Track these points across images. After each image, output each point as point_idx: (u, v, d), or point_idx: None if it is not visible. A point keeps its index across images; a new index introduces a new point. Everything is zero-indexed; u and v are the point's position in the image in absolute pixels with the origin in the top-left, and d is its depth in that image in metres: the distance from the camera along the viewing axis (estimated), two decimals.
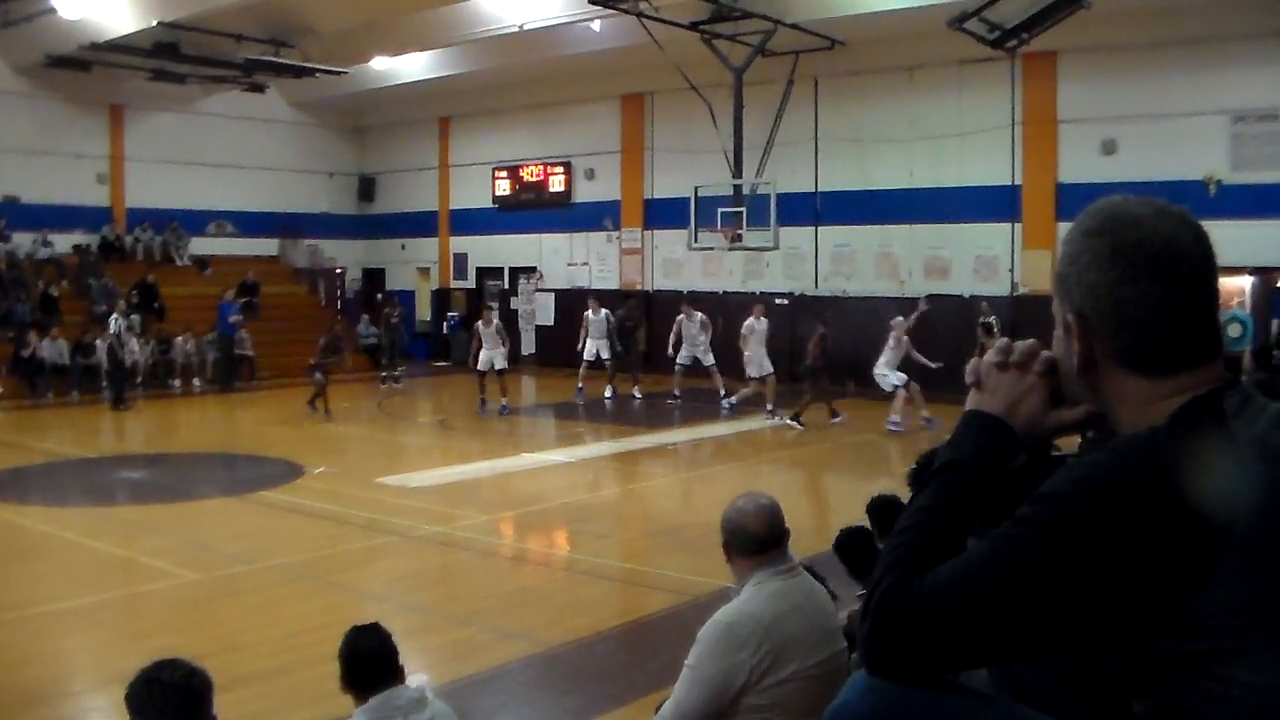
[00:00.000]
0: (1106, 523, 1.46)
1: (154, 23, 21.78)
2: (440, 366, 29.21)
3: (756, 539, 4.05)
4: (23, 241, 25.98)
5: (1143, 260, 1.55)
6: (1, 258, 25.31)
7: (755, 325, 19.41)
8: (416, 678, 4.54)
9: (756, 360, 19.16)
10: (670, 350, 21.56)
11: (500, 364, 19.34)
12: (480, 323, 20.08)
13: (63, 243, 26.78)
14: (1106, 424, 1.67)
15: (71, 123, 27.03)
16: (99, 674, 7.47)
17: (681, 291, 25.33)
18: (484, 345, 19.49)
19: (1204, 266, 1.57)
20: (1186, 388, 1.56)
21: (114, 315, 22.20)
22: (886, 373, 18.00)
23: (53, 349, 23.08)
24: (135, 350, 23.83)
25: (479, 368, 19.60)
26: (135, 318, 24.90)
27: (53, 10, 21.42)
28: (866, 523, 5.90)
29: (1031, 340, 1.74)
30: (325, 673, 4.59)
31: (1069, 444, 1.85)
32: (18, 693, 7.01)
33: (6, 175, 25.75)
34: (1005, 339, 1.78)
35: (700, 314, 21.58)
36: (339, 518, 12.06)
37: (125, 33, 22.34)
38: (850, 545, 5.76)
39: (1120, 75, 20.39)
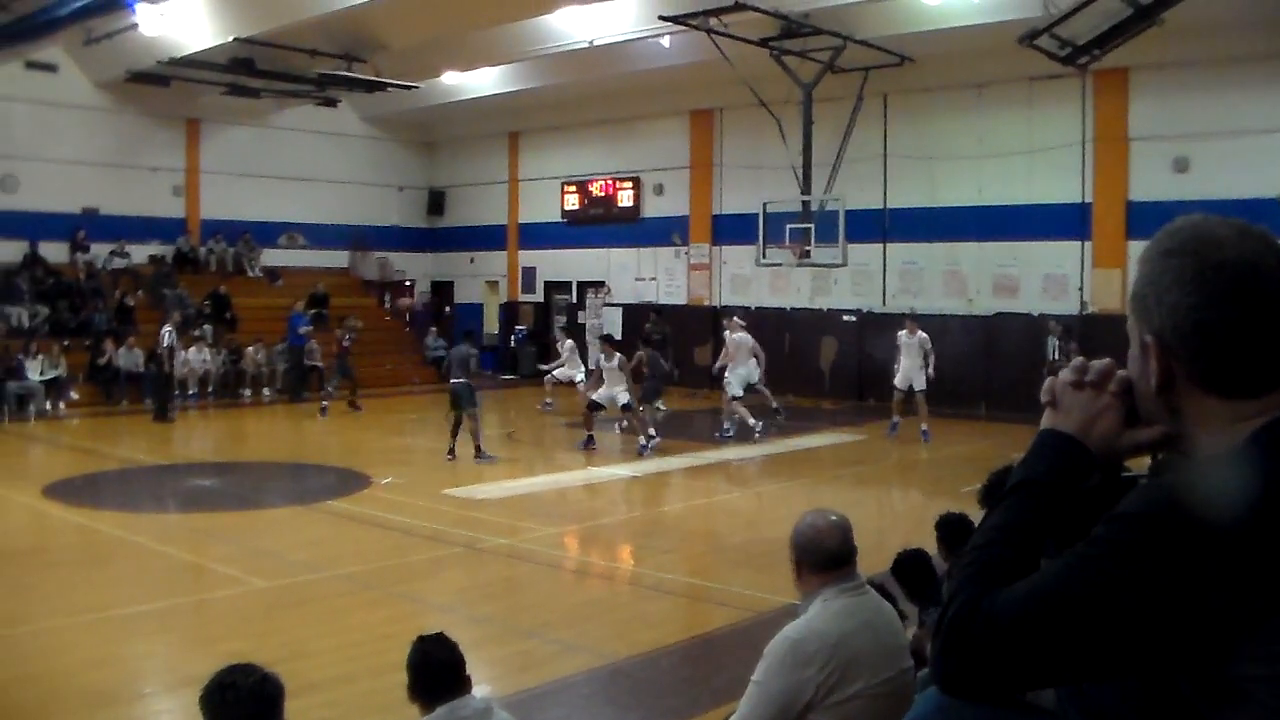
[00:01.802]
0: (1181, 544, 1.45)
1: (230, 39, 22.14)
2: (507, 380, 29.34)
3: (830, 555, 4.04)
4: (101, 252, 26.50)
5: (1226, 283, 1.54)
6: (81, 267, 25.84)
7: (906, 339, 18.93)
8: (480, 689, 4.56)
9: (904, 374, 18.75)
10: (715, 368, 21.13)
11: (623, 399, 17.70)
12: (601, 356, 18.61)
13: (139, 253, 27.29)
14: (1181, 445, 1.65)
15: (149, 136, 27.52)
16: (169, 677, 7.59)
17: (749, 307, 25.30)
18: (605, 381, 18.08)
19: None
20: (1265, 410, 1.55)
21: (167, 327, 22.05)
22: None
23: (128, 358, 23.48)
24: (207, 359, 24.25)
25: (595, 399, 18.09)
26: (207, 328, 25.32)
27: (134, 27, 21.82)
28: (934, 540, 5.85)
29: (1107, 359, 1.73)
30: (391, 682, 4.63)
31: (1140, 464, 1.83)
32: (91, 694, 7.13)
33: (87, 187, 26.28)
34: (1081, 358, 1.77)
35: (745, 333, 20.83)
36: (405, 528, 12.16)
37: (203, 48, 22.72)
38: (908, 567, 5.70)
39: (1193, 92, 20.12)
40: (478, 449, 16.54)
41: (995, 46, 19.31)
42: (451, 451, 16.55)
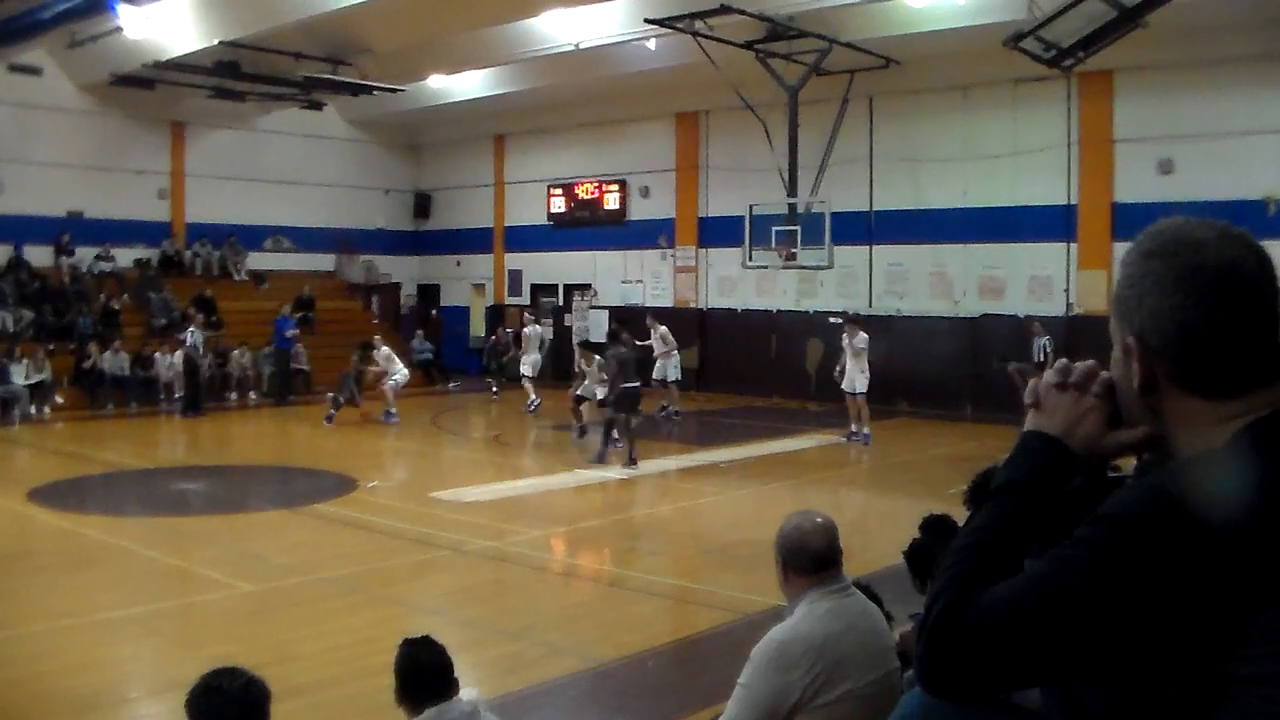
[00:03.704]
0: (1166, 544, 1.45)
1: (215, 42, 22.05)
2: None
3: (816, 557, 4.04)
4: (86, 255, 26.39)
5: (1206, 285, 1.55)
6: (65, 271, 25.74)
7: (848, 341, 18.91)
8: (467, 691, 4.56)
9: (849, 377, 18.75)
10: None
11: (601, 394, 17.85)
12: (582, 362, 19.23)
13: (124, 257, 27.19)
14: (1165, 446, 1.66)
15: (134, 140, 27.44)
16: (154, 681, 7.57)
17: (735, 309, 25.24)
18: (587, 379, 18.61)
19: (1268, 290, 1.57)
20: (1247, 411, 1.55)
21: (191, 328, 22.80)
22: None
23: (113, 361, 23.41)
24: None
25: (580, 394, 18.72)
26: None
27: (118, 30, 21.75)
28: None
29: (1090, 361, 1.74)
30: (377, 685, 4.62)
31: (1126, 465, 1.84)
32: (75, 698, 7.11)
33: (71, 191, 26.18)
34: (1064, 360, 1.78)
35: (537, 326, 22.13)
36: (391, 531, 12.13)
37: (187, 51, 22.64)
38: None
39: (1177, 94, 20.18)
40: (631, 458, 16.31)
41: (980, 49, 19.33)
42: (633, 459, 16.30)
